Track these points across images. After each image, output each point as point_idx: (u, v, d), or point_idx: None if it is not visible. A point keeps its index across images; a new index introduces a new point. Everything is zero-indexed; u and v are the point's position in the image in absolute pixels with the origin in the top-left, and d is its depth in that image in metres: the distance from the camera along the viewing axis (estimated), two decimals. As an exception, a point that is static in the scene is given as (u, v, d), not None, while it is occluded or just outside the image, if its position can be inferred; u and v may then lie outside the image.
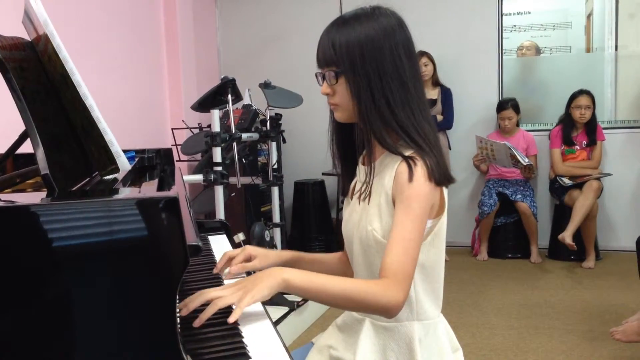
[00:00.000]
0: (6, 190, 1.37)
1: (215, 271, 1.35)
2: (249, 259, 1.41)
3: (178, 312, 0.95)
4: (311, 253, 1.58)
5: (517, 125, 4.90)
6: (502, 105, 4.84)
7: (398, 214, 1.22)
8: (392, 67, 1.25)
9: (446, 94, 4.90)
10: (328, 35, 1.28)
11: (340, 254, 1.56)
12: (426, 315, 1.32)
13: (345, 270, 1.52)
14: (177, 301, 0.89)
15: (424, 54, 4.79)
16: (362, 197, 1.34)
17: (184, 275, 0.89)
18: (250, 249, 1.42)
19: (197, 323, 1.05)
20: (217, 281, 1.39)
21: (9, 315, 0.82)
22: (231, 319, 1.06)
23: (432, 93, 4.87)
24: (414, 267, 1.20)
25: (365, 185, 1.33)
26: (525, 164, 4.53)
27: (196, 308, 1.08)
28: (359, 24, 1.26)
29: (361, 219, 1.33)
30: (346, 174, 1.45)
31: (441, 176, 1.25)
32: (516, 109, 4.79)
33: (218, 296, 1.09)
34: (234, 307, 1.09)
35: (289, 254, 1.49)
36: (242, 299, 1.08)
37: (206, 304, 1.08)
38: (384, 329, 1.32)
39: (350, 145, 1.42)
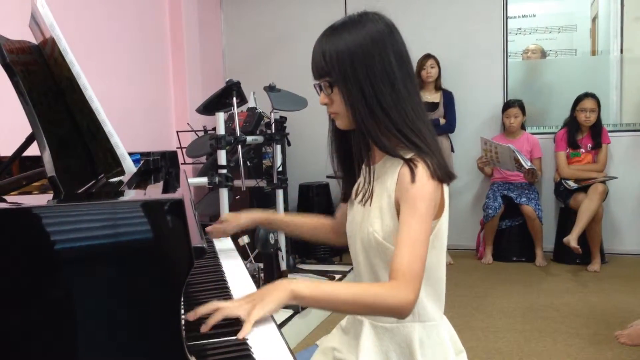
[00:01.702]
0: (13, 193, 1.38)
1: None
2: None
3: (183, 315, 0.95)
4: (288, 215, 1.68)
5: (523, 128, 4.90)
6: (508, 104, 4.85)
7: (404, 215, 1.23)
8: (382, 71, 1.26)
9: (448, 97, 4.90)
10: (319, 46, 1.30)
11: (326, 221, 1.61)
12: (428, 316, 1.33)
13: (324, 236, 1.60)
14: (182, 302, 0.89)
15: (429, 56, 4.80)
16: (363, 199, 1.35)
17: (188, 277, 0.90)
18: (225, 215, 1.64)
19: (204, 328, 1.06)
20: (221, 283, 1.40)
21: (13, 317, 0.82)
22: (241, 335, 1.06)
23: (434, 96, 4.87)
24: (422, 267, 1.20)
25: (365, 188, 1.34)
26: (527, 167, 4.52)
27: (204, 315, 1.09)
28: (347, 33, 1.27)
29: (363, 220, 1.34)
30: (347, 179, 1.46)
31: (443, 174, 1.26)
32: (522, 109, 4.80)
33: (226, 306, 1.11)
34: (243, 320, 1.09)
35: (261, 214, 1.62)
36: (250, 313, 1.09)
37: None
38: (384, 329, 1.33)
39: (351, 152, 1.42)
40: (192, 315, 1.08)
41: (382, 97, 1.26)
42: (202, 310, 1.09)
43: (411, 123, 1.27)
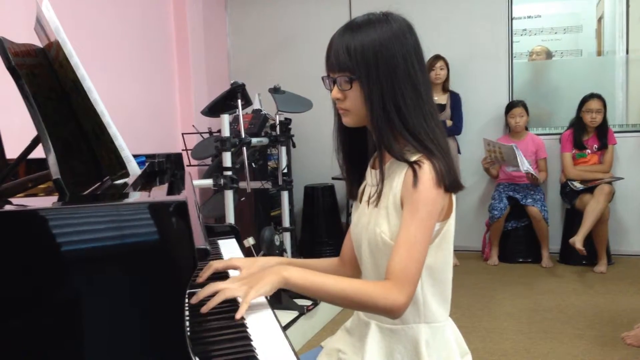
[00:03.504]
0: (18, 195, 1.38)
1: (199, 281, 1.34)
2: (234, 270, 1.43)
3: (187, 308, 0.96)
4: (304, 259, 1.60)
5: (526, 129, 4.89)
6: (512, 104, 4.84)
7: (405, 218, 1.23)
8: (405, 73, 1.25)
9: (455, 99, 4.89)
10: (341, 40, 1.27)
11: (336, 259, 1.57)
12: (434, 317, 1.33)
13: (340, 275, 1.52)
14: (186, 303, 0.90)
15: (439, 58, 4.78)
16: (371, 200, 1.34)
17: (192, 278, 0.90)
18: (235, 261, 1.43)
19: (204, 309, 1.12)
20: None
21: (17, 319, 0.83)
22: (238, 315, 1.12)
23: (442, 98, 4.86)
24: (419, 270, 1.21)
25: (375, 189, 1.33)
26: (524, 170, 4.49)
27: (206, 298, 1.15)
28: (372, 30, 1.26)
29: (370, 221, 1.34)
30: (352, 177, 1.46)
31: (451, 182, 1.25)
32: (526, 109, 4.79)
33: (226, 287, 1.17)
34: (239, 300, 1.16)
35: (277, 260, 1.50)
36: (247, 294, 1.15)
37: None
38: (390, 331, 1.33)
39: (356, 149, 1.43)
40: (195, 299, 1.15)
41: (402, 99, 1.25)
42: (203, 293, 1.15)
43: (428, 128, 1.27)
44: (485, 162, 4.84)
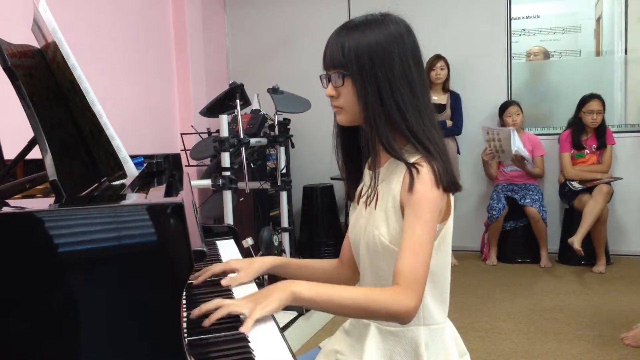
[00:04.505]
0: (16, 196, 1.38)
1: (195, 283, 1.32)
2: (232, 273, 1.42)
3: (184, 316, 0.95)
4: (302, 259, 1.59)
5: (521, 128, 4.89)
6: (507, 103, 4.86)
7: (408, 220, 1.22)
8: (401, 73, 1.26)
9: (455, 100, 4.89)
10: (337, 38, 1.29)
11: (335, 261, 1.56)
12: (433, 320, 1.32)
13: (339, 277, 1.53)
14: (184, 305, 0.89)
15: (440, 57, 4.78)
16: (367, 202, 1.34)
17: (189, 280, 0.90)
18: (233, 263, 1.42)
19: (206, 322, 1.09)
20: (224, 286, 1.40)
21: (14, 320, 0.83)
22: (244, 329, 1.08)
23: (442, 98, 4.86)
24: (425, 272, 1.20)
25: (370, 191, 1.33)
26: (513, 151, 4.51)
27: (208, 312, 1.11)
28: (369, 30, 1.27)
29: (368, 224, 1.33)
30: (351, 178, 1.45)
31: (449, 183, 1.25)
32: (520, 107, 4.80)
33: (230, 303, 1.13)
34: (242, 317, 1.11)
35: (274, 259, 1.48)
36: (253, 311, 1.11)
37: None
38: (390, 333, 1.32)
39: (355, 150, 1.42)
40: (197, 312, 1.11)
41: (400, 98, 1.25)
42: (206, 306, 1.11)
43: (425, 128, 1.27)
44: (485, 155, 4.81)
